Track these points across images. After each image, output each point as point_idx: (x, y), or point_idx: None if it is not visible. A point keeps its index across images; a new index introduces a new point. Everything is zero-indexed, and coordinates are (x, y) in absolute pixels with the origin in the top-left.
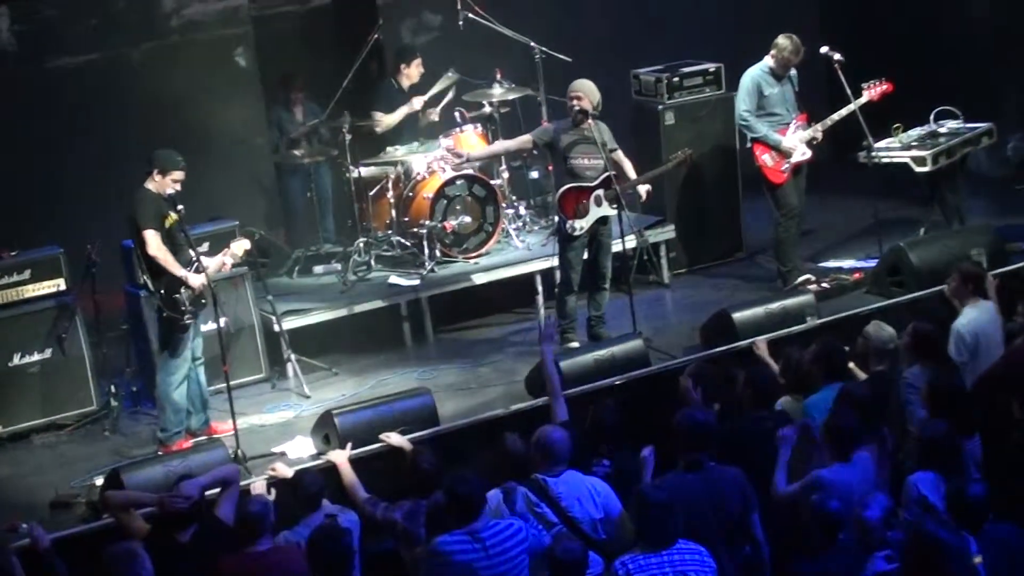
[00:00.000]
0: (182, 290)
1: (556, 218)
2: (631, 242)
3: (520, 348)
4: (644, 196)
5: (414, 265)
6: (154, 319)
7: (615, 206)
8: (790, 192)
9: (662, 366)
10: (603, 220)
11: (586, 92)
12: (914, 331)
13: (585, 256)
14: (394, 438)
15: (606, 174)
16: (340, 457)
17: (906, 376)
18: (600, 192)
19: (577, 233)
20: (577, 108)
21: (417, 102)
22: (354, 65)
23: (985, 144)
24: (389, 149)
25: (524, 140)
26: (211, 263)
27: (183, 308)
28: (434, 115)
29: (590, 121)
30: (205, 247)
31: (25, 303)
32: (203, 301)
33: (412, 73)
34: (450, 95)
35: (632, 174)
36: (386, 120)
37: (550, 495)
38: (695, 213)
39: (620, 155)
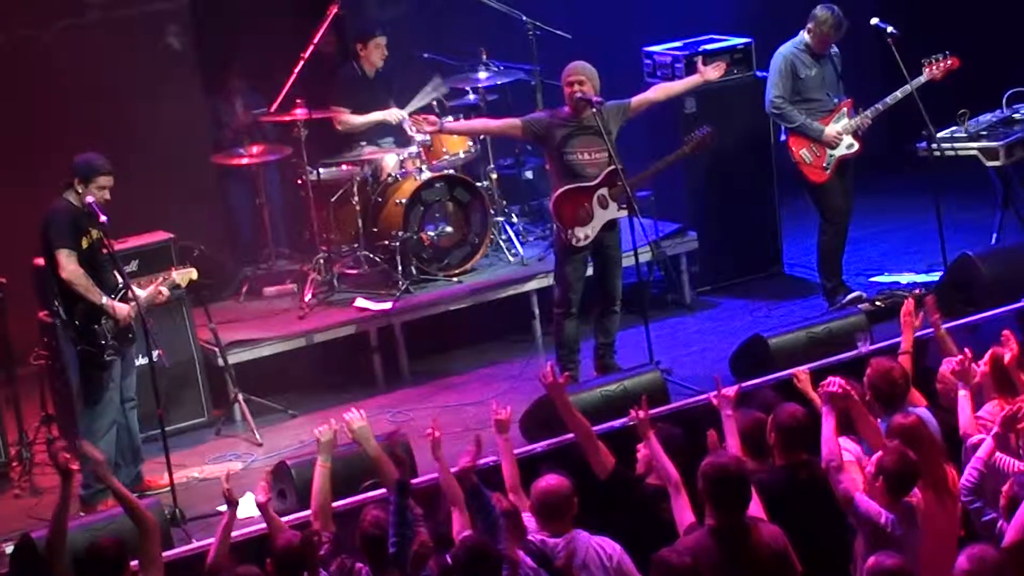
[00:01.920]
0: (103, 320)
1: (554, 226)
2: (645, 255)
3: (514, 384)
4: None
5: (385, 285)
6: (74, 354)
7: (624, 207)
8: (835, 192)
9: (685, 402)
10: (610, 225)
11: (589, 76)
12: (993, 359)
13: (590, 271)
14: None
15: (611, 168)
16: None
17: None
18: (604, 191)
19: (580, 244)
20: (580, 95)
21: (394, 115)
22: (309, 46)
23: None
24: (354, 147)
25: (512, 123)
26: (143, 292)
27: (103, 342)
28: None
29: (592, 110)
30: (134, 266)
31: None
32: (131, 336)
33: (372, 56)
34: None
35: (673, 89)
36: (351, 120)
37: (550, 559)
38: (722, 219)
39: (644, 96)
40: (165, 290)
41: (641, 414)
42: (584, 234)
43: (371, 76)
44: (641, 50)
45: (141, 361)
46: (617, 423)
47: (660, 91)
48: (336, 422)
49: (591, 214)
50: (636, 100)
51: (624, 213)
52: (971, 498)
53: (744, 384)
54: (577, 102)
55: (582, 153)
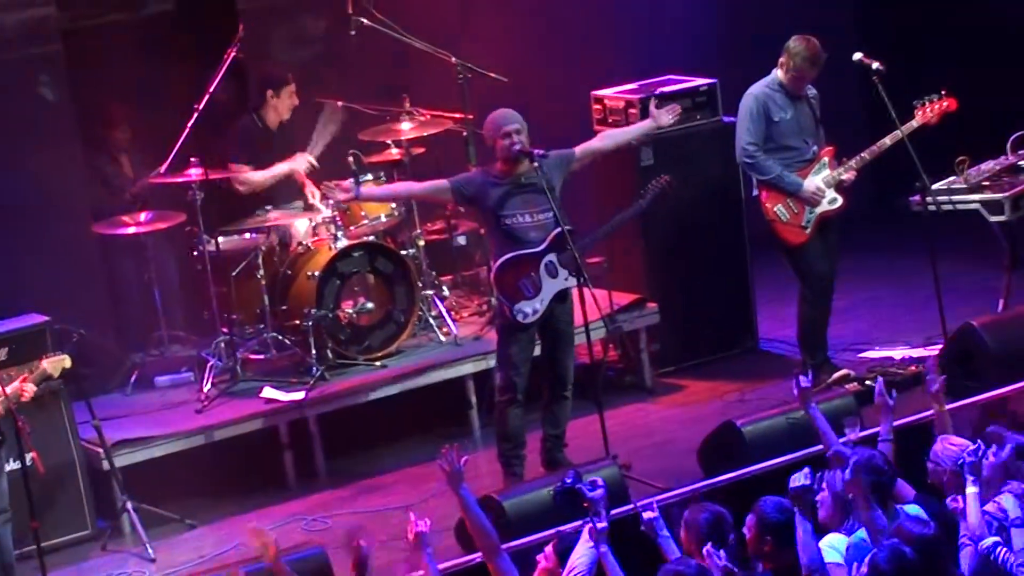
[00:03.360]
0: None
1: (494, 300)
2: (598, 331)
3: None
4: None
5: (297, 372)
6: None
7: (574, 274)
8: (816, 255)
9: (646, 501)
10: (561, 296)
11: (523, 124)
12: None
13: (537, 351)
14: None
15: (558, 229)
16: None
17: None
18: (552, 257)
19: (528, 320)
20: (518, 147)
21: (301, 162)
22: (204, 95)
23: None
24: (258, 212)
25: (440, 185)
26: (7, 388)
27: None
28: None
29: (534, 164)
30: (3, 355)
31: None
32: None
33: (282, 106)
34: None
35: (622, 136)
36: (253, 179)
37: None
38: (686, 288)
39: (589, 145)
40: (31, 386)
41: None
42: (531, 308)
43: (274, 128)
44: (590, 95)
45: (12, 466)
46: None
47: (607, 139)
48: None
49: (539, 284)
50: (580, 150)
51: (574, 283)
52: None
53: (714, 480)
54: (515, 155)
55: (522, 215)
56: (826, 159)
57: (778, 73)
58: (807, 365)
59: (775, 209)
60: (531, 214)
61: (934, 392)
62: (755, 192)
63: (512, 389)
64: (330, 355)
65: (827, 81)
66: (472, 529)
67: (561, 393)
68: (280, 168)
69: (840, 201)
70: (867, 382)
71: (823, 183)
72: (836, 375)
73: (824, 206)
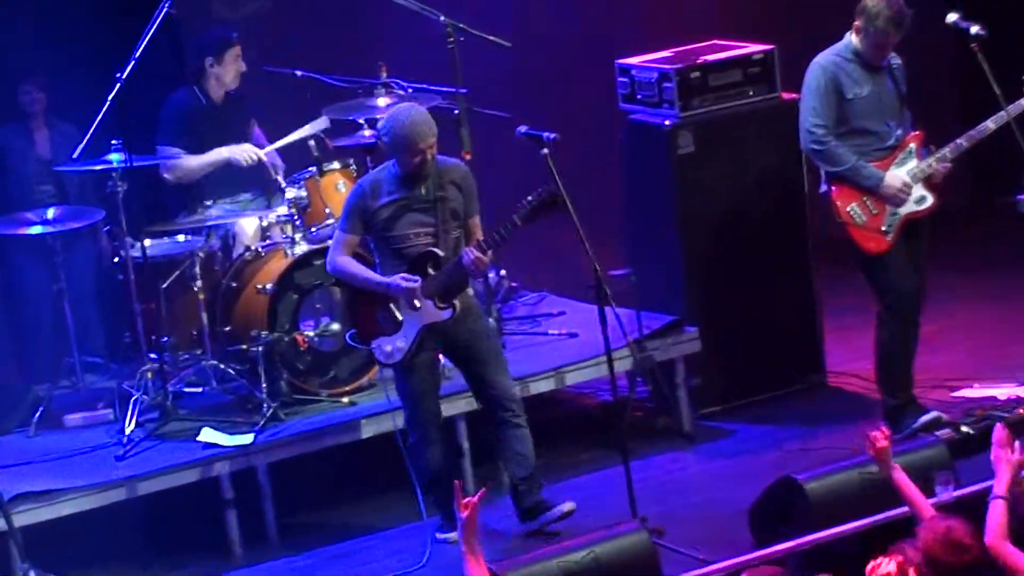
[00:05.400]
0: None
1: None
2: (623, 360)
3: (435, 549)
4: None
5: (243, 409)
6: None
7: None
8: (899, 267)
9: None
10: (463, 312)
11: (434, 131)
12: None
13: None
14: None
15: (426, 244)
16: None
17: None
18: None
19: (394, 360)
20: (429, 158)
21: (246, 152)
22: (129, 63)
23: None
24: (195, 208)
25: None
26: None
27: None
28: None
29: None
30: None
31: None
32: None
33: (227, 73)
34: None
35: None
36: (186, 164)
37: None
38: (735, 307)
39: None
40: None
41: None
42: (398, 346)
43: (218, 102)
44: (615, 64)
45: None
46: None
47: None
48: None
49: (397, 319)
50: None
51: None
52: None
53: (768, 549)
54: (418, 168)
55: (413, 233)
56: (913, 147)
57: (852, 38)
58: (887, 406)
59: (848, 209)
60: (421, 232)
61: None
62: (823, 188)
63: (422, 424)
64: (285, 388)
65: (914, 49)
66: None
67: (511, 421)
68: (216, 153)
69: (930, 200)
70: (963, 428)
71: (909, 177)
72: (924, 419)
73: (910, 206)
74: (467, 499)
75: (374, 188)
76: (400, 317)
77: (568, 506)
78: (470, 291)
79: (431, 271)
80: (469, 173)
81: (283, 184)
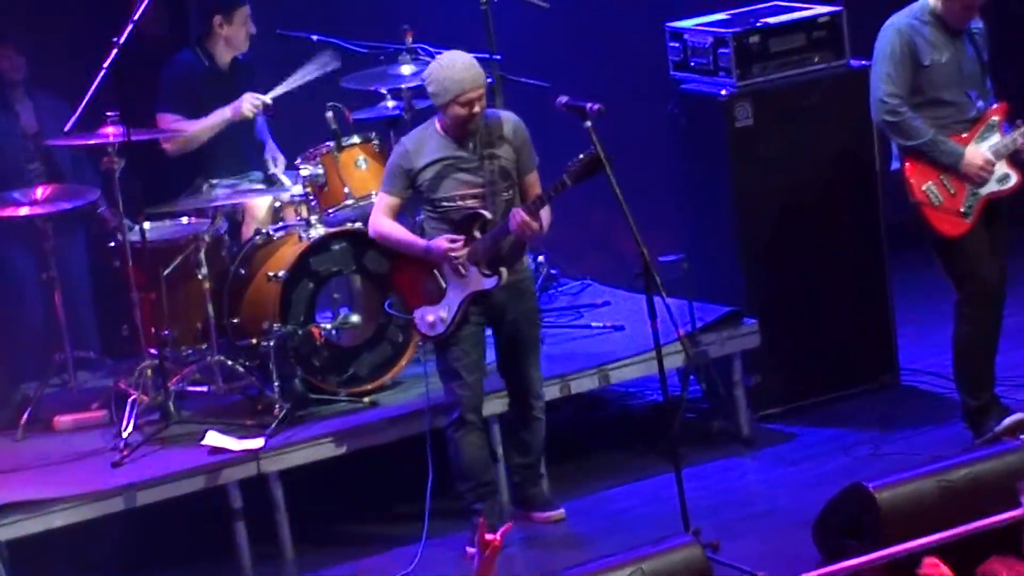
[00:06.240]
0: None
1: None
2: (674, 356)
3: (465, 568)
4: None
5: (252, 410)
6: None
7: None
8: (980, 253)
9: None
10: (515, 288)
11: (485, 81)
12: None
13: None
14: None
15: (474, 207)
16: None
17: None
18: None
19: (436, 332)
20: (478, 110)
21: (248, 104)
22: (126, 27)
23: None
24: (199, 186)
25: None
26: None
27: None
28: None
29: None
30: None
31: None
32: None
33: (237, 36)
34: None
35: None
36: (191, 130)
37: None
38: (798, 298)
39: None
40: None
41: None
42: (441, 317)
43: (224, 68)
44: (665, 27)
45: None
46: None
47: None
48: None
49: (441, 289)
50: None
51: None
52: None
53: (836, 566)
54: (465, 124)
55: (461, 195)
56: (995, 120)
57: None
58: (967, 407)
59: (924, 188)
60: (468, 193)
61: None
62: (896, 164)
63: (460, 405)
64: (299, 387)
65: (999, 12)
66: None
67: (530, 413)
68: (220, 114)
69: (1014, 179)
70: None
71: (991, 153)
72: (1008, 421)
73: (992, 185)
74: (490, 535)
75: (417, 146)
76: (444, 285)
77: (560, 513)
78: (528, 263)
79: (477, 235)
80: (521, 124)
81: (285, 182)
